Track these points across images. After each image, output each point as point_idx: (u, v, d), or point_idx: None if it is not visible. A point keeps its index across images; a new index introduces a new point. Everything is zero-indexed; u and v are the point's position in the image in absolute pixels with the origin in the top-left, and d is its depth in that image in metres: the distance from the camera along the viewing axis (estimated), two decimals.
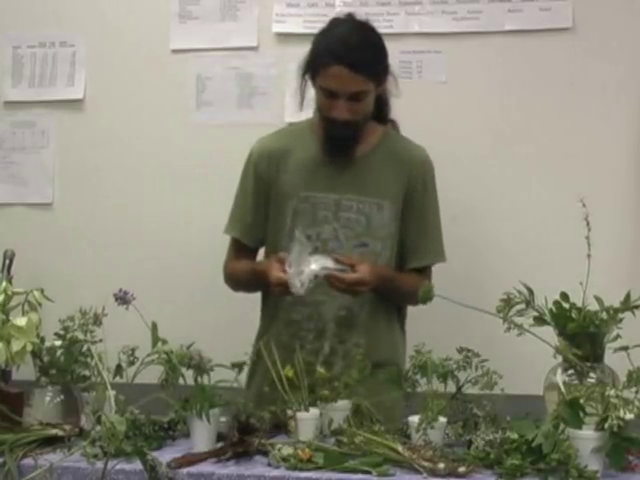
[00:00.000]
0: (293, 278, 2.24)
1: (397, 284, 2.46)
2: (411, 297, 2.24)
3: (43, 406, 2.17)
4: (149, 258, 2.98)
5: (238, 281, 2.55)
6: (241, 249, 2.55)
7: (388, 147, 2.52)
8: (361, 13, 2.94)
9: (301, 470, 1.88)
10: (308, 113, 2.55)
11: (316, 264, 2.25)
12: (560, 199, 2.81)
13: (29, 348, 2.13)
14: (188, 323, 2.66)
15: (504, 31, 2.93)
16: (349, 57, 2.33)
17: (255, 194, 2.51)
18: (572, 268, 2.07)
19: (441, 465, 1.84)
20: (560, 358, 2.04)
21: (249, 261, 2.54)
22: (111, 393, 2.09)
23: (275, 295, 2.39)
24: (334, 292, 2.37)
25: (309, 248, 2.27)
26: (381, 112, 2.53)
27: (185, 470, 1.90)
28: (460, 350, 2.10)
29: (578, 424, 1.85)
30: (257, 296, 2.58)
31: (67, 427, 2.09)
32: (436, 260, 2.53)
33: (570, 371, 2.02)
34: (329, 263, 2.27)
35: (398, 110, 2.95)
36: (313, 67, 2.41)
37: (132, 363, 2.15)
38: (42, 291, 2.21)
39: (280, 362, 2.17)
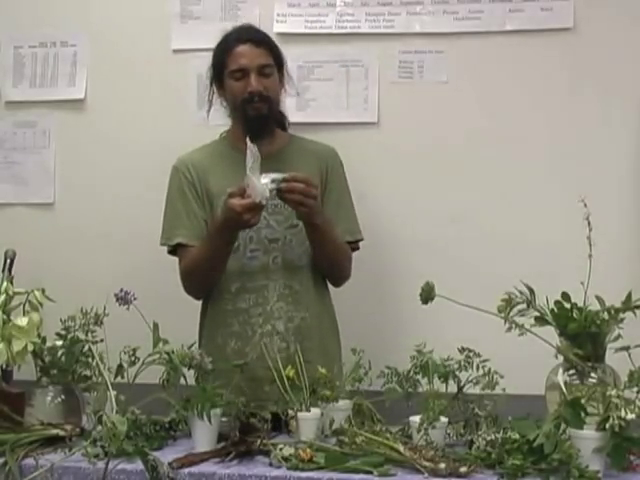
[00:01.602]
0: (255, 189, 2.30)
1: (334, 234, 2.57)
2: (340, 252, 2.59)
3: (44, 406, 2.17)
4: (150, 258, 2.97)
5: (199, 263, 2.52)
6: (188, 253, 2.57)
7: (299, 144, 2.69)
8: (362, 13, 2.99)
9: (302, 470, 1.88)
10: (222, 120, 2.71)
11: (266, 178, 2.32)
12: (561, 199, 2.81)
13: (30, 348, 2.14)
14: (189, 323, 2.66)
15: (505, 31, 2.93)
16: (249, 36, 2.61)
17: (192, 198, 2.59)
18: (573, 268, 2.08)
19: (442, 465, 1.85)
20: (561, 358, 2.04)
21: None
22: (112, 393, 2.10)
23: (244, 225, 2.38)
24: (275, 275, 2.54)
25: (259, 158, 2.33)
26: (282, 123, 2.73)
27: (186, 470, 1.90)
28: (461, 350, 2.11)
29: (579, 424, 1.85)
30: None
31: (68, 427, 2.09)
32: (355, 236, 2.67)
33: (571, 371, 2.02)
34: (276, 175, 2.35)
35: (399, 110, 2.98)
36: (221, 61, 2.60)
37: (133, 363, 2.15)
38: (43, 291, 2.21)
39: (235, 353, 2.49)
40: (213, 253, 2.50)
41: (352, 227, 2.66)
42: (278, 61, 2.63)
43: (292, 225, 2.56)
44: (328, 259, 2.60)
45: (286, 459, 1.91)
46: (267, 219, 2.55)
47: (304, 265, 2.59)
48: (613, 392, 1.83)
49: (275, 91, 2.61)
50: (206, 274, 2.55)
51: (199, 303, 2.65)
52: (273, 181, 2.32)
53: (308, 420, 2.08)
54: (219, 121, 2.88)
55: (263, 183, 2.30)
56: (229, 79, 2.59)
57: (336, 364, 2.34)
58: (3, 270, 2.62)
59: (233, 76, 2.57)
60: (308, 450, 1.93)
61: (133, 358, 2.16)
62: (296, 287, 2.57)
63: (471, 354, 2.09)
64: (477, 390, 2.08)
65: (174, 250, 2.61)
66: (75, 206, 3.14)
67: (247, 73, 2.55)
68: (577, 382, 1.99)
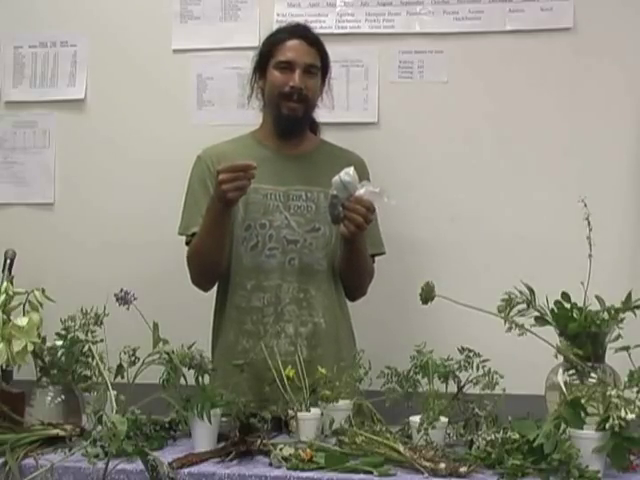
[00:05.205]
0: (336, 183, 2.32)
1: (366, 253, 2.57)
2: (366, 270, 2.59)
3: (44, 406, 2.17)
4: (150, 258, 2.98)
5: (197, 247, 2.49)
6: None
7: (327, 149, 2.68)
8: (362, 13, 2.99)
9: (302, 470, 1.88)
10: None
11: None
12: (561, 199, 2.81)
13: (30, 348, 2.13)
14: (189, 323, 2.66)
15: (505, 31, 2.94)
16: (303, 33, 2.60)
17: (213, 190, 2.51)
18: (573, 268, 2.08)
19: (442, 465, 1.84)
20: (561, 358, 2.04)
21: None
22: (112, 393, 2.09)
23: (222, 195, 2.32)
24: (290, 277, 2.52)
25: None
26: (312, 128, 2.70)
27: (186, 470, 1.90)
28: (461, 350, 2.11)
29: (579, 424, 1.85)
30: None
31: (68, 427, 2.09)
32: (377, 250, 2.66)
33: (571, 371, 2.02)
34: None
35: (399, 110, 2.98)
36: (269, 50, 2.58)
37: (133, 363, 2.15)
38: (43, 291, 2.21)
39: (245, 351, 2.44)
40: (206, 232, 2.45)
41: (376, 240, 2.64)
42: (324, 68, 2.61)
43: (314, 229, 2.55)
44: (355, 274, 2.59)
45: (286, 459, 1.91)
46: (288, 219, 2.54)
47: (323, 270, 2.56)
48: (613, 392, 1.83)
49: (315, 94, 2.59)
50: (203, 258, 2.50)
51: (200, 303, 2.65)
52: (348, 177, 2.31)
53: (308, 420, 2.08)
54: (219, 121, 2.89)
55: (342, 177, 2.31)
56: (273, 69, 2.56)
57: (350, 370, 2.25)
58: (3, 270, 2.62)
59: (278, 66, 2.55)
60: (308, 450, 1.93)
61: (133, 358, 2.15)
62: (312, 291, 2.54)
63: (471, 354, 2.09)
64: (477, 390, 2.08)
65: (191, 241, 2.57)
66: (75, 206, 3.14)
67: (293, 68, 2.53)
68: (577, 382, 1.99)
